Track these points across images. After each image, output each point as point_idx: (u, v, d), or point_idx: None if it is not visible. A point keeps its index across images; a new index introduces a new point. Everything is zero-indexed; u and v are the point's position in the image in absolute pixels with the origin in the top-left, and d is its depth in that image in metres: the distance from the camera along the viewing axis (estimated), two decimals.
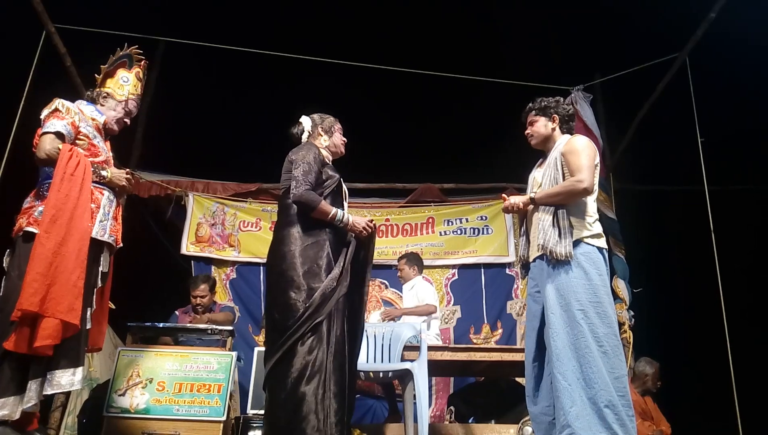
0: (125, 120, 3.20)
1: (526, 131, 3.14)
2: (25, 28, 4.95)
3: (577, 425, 2.56)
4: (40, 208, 2.77)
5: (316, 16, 6.46)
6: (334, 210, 3.01)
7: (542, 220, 2.86)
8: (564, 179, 2.89)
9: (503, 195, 3.08)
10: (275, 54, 5.83)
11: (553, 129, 3.07)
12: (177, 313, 4.93)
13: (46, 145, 2.82)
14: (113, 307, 3.33)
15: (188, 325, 4.44)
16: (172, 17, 6.00)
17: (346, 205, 3.22)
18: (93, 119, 3.05)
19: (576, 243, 2.80)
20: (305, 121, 3.30)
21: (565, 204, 2.85)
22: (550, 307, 2.76)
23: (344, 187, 3.24)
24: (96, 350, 3.16)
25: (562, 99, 3.16)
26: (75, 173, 2.78)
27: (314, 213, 2.98)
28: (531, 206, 2.98)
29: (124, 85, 3.19)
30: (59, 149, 2.80)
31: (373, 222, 3.18)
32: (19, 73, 4.66)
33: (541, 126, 3.08)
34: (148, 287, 6.46)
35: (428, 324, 4.98)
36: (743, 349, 4.76)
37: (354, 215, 3.16)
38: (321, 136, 3.27)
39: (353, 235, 3.12)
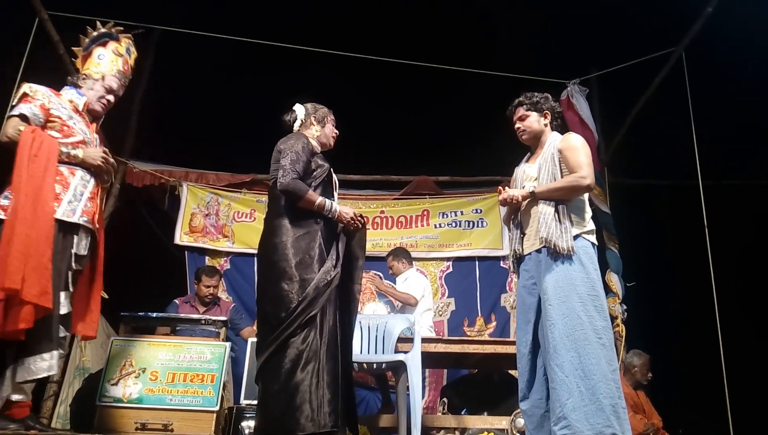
0: (107, 97, 3.12)
1: (517, 126, 3.14)
2: (17, 14, 4.89)
3: (573, 417, 2.56)
4: (7, 193, 2.74)
5: (311, 5, 6.41)
6: (321, 199, 2.97)
7: (543, 213, 2.86)
8: (561, 175, 2.91)
9: (500, 187, 3.08)
10: (270, 44, 5.79)
11: (546, 125, 3.09)
12: (177, 301, 4.92)
13: (8, 128, 2.79)
14: (106, 296, 3.31)
15: (181, 314, 4.43)
16: (166, 5, 5.94)
17: (336, 195, 3.19)
18: (71, 101, 3.00)
19: (575, 237, 2.81)
20: (299, 110, 3.28)
21: (566, 199, 2.87)
22: (548, 298, 2.76)
23: (335, 177, 3.21)
24: (89, 339, 3.15)
25: (549, 95, 3.17)
26: (39, 154, 2.73)
27: (301, 202, 2.94)
28: (527, 200, 2.98)
29: (100, 62, 3.12)
30: (20, 131, 2.76)
31: (362, 216, 3.16)
32: (11, 60, 4.61)
33: (533, 121, 3.08)
34: (140, 277, 6.43)
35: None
36: (735, 343, 4.79)
37: (343, 205, 3.14)
38: (313, 126, 3.24)
39: (342, 226, 3.10)
